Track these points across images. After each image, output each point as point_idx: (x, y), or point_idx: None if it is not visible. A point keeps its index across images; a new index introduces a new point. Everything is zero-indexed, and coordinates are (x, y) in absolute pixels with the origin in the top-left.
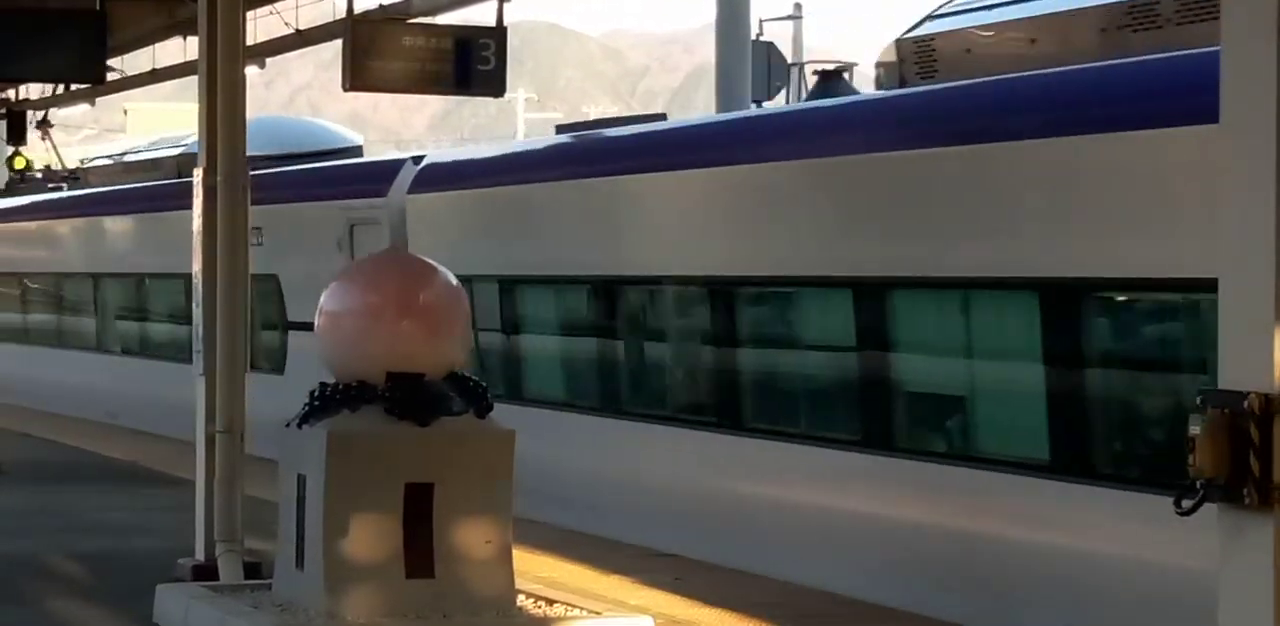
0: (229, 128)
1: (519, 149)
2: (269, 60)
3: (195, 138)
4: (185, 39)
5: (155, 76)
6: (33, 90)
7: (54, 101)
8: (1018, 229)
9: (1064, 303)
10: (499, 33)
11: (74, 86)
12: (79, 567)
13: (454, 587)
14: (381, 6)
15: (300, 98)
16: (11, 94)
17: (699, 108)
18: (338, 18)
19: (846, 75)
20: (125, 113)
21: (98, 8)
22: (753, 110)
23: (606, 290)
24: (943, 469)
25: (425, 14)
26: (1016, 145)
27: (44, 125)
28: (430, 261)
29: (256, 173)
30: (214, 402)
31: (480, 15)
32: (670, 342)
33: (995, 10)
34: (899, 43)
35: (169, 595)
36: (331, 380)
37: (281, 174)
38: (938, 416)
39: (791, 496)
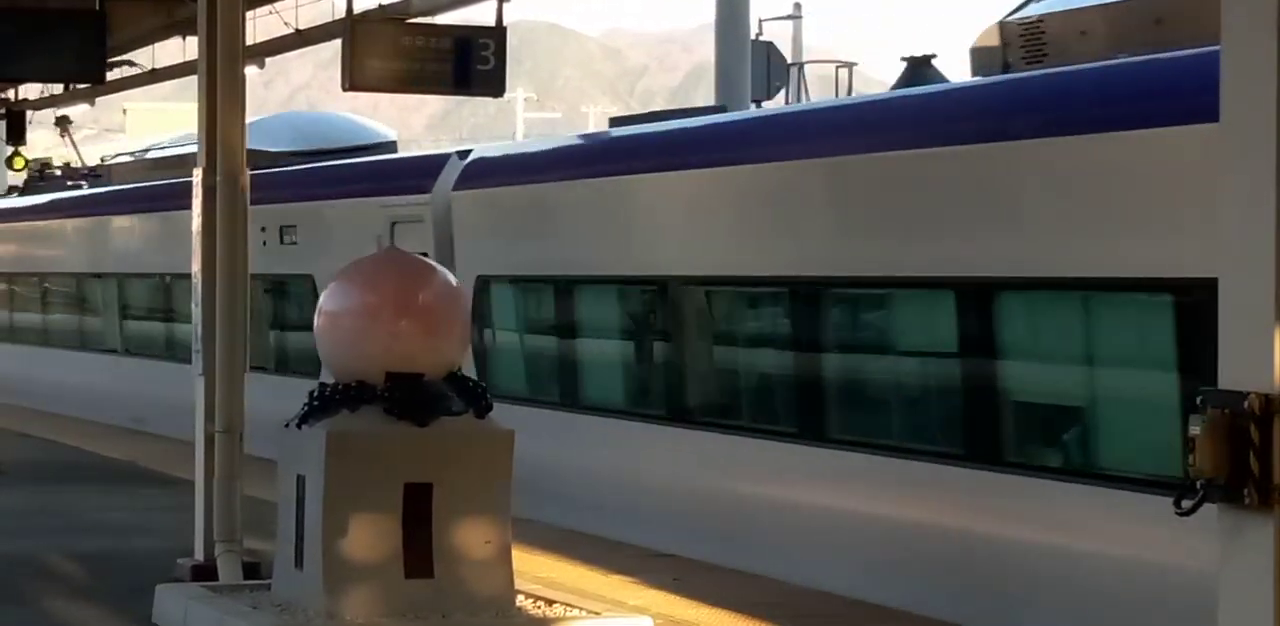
0: (228, 127)
1: (579, 142)
2: (268, 60)
3: None
4: (185, 39)
5: (155, 76)
6: (32, 90)
7: (53, 101)
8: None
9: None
10: (498, 32)
11: (74, 86)
12: (78, 567)
13: (453, 587)
14: (381, 6)
15: (299, 97)
16: (11, 94)
17: None
18: (337, 17)
19: (847, 71)
20: (125, 112)
21: (97, 8)
22: (846, 98)
23: (679, 291)
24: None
25: (424, 14)
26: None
27: (63, 122)
28: (429, 261)
29: (289, 169)
30: (213, 402)
31: (479, 15)
32: (748, 348)
33: None
34: (1003, 25)
35: (168, 595)
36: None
37: (316, 170)
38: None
39: (883, 511)
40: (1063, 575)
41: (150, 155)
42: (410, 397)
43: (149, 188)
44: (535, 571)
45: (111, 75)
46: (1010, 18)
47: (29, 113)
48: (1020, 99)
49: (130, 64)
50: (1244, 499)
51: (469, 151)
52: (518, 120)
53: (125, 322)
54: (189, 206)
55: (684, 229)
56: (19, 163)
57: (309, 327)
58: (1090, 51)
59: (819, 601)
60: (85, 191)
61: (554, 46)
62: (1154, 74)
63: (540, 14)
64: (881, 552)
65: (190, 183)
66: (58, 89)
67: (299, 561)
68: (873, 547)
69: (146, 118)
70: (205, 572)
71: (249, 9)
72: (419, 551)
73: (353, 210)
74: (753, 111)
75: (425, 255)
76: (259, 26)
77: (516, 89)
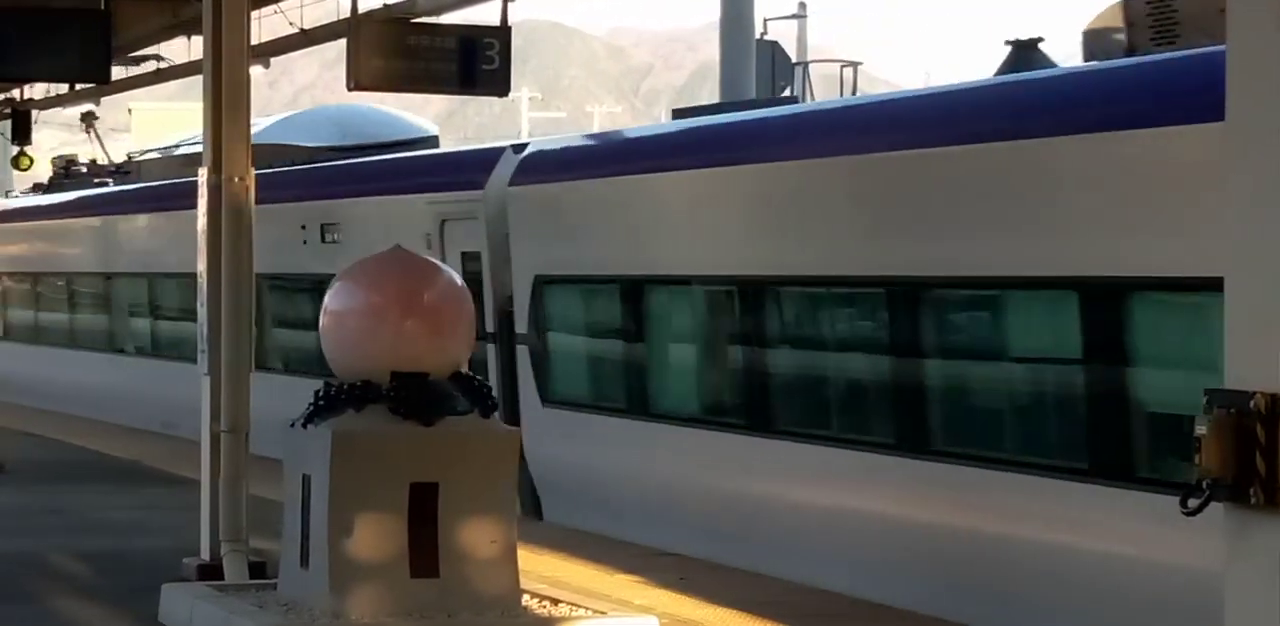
0: (233, 127)
1: (653, 133)
2: (273, 59)
3: (257, 128)
4: (190, 38)
5: (160, 76)
6: (37, 90)
7: (59, 101)
8: None
9: None
10: (503, 32)
11: (78, 86)
12: (84, 567)
13: (459, 587)
14: (386, 6)
15: (304, 97)
16: (16, 93)
17: None
18: (342, 17)
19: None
20: (130, 112)
21: (102, 7)
22: (963, 82)
23: (768, 292)
24: None
25: (429, 13)
26: None
27: (88, 118)
28: (434, 261)
29: (329, 164)
30: (219, 402)
31: (484, 14)
32: (841, 353)
33: None
34: (1128, 4)
35: (174, 594)
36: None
37: (359, 165)
38: None
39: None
40: None
41: (180, 151)
42: (416, 397)
43: (182, 185)
44: (541, 571)
45: (135, 70)
46: None
47: (35, 112)
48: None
49: (159, 58)
50: (1250, 498)
51: (524, 145)
52: (523, 120)
53: (156, 323)
54: None
55: (776, 226)
56: (25, 163)
57: None
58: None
59: (824, 600)
60: (114, 189)
61: (559, 46)
62: None
63: (545, 13)
64: (983, 569)
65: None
66: (63, 88)
67: (304, 561)
68: (977, 564)
69: (152, 117)
70: (211, 572)
71: (254, 8)
72: (424, 551)
73: (399, 207)
74: (862, 97)
75: (479, 255)
76: (264, 26)
77: (521, 88)
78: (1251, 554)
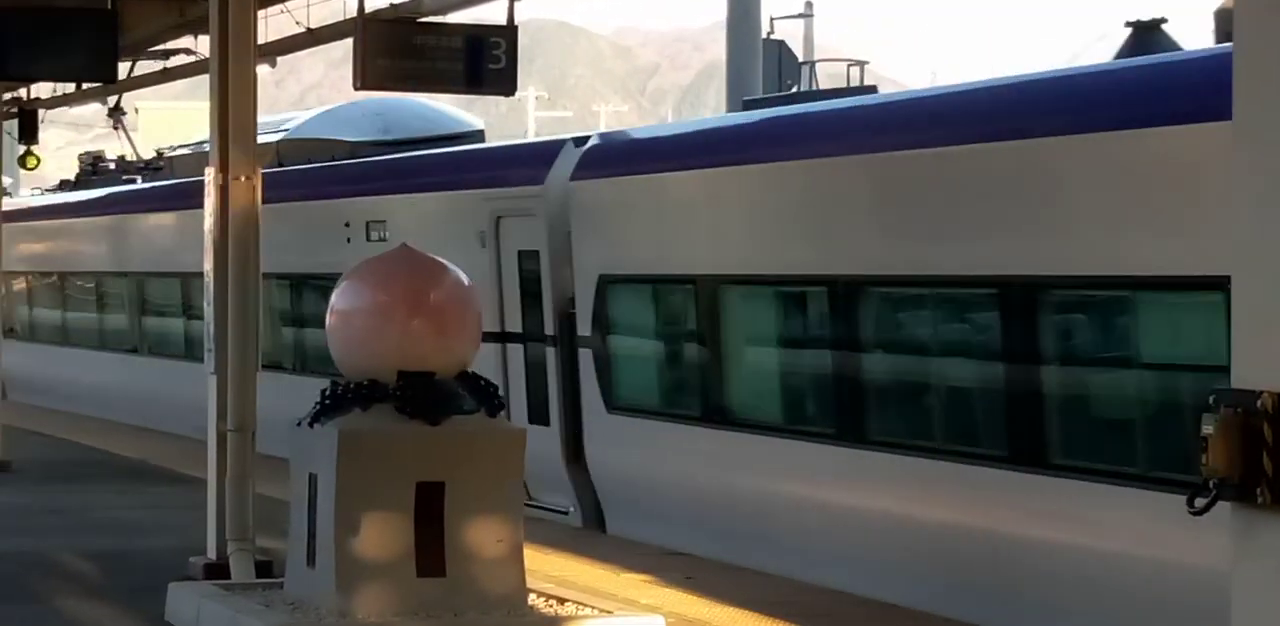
0: (240, 126)
1: (731, 123)
2: (280, 59)
3: (295, 122)
4: (196, 38)
5: (166, 75)
6: (43, 89)
7: (65, 100)
8: None
9: None
10: (509, 31)
11: (85, 85)
12: (90, 566)
13: (465, 586)
14: (392, 5)
15: (311, 96)
16: (23, 93)
17: (710, 106)
18: (348, 16)
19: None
20: (136, 111)
21: (109, 7)
22: (1109, 63)
23: (861, 292)
24: None
25: (436, 13)
26: None
27: (115, 113)
28: (440, 260)
29: (373, 159)
30: (225, 401)
31: (490, 14)
32: (949, 358)
33: None
34: None
35: (181, 593)
36: None
37: (407, 160)
38: None
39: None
40: None
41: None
42: (422, 396)
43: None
44: (547, 570)
45: (144, 68)
46: None
47: (42, 111)
48: None
49: (189, 51)
50: (1257, 498)
51: (585, 138)
52: (529, 119)
53: (190, 324)
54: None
55: (879, 222)
56: (32, 162)
57: None
58: None
59: (830, 600)
60: (147, 185)
61: (565, 45)
62: None
63: (551, 12)
64: (1098, 585)
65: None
66: (70, 88)
67: (311, 560)
68: (1094, 581)
69: (158, 117)
70: (218, 571)
71: (260, 8)
72: (431, 550)
73: (451, 204)
74: (981, 80)
75: (537, 253)
76: (270, 25)
77: (528, 87)
78: (1258, 553)
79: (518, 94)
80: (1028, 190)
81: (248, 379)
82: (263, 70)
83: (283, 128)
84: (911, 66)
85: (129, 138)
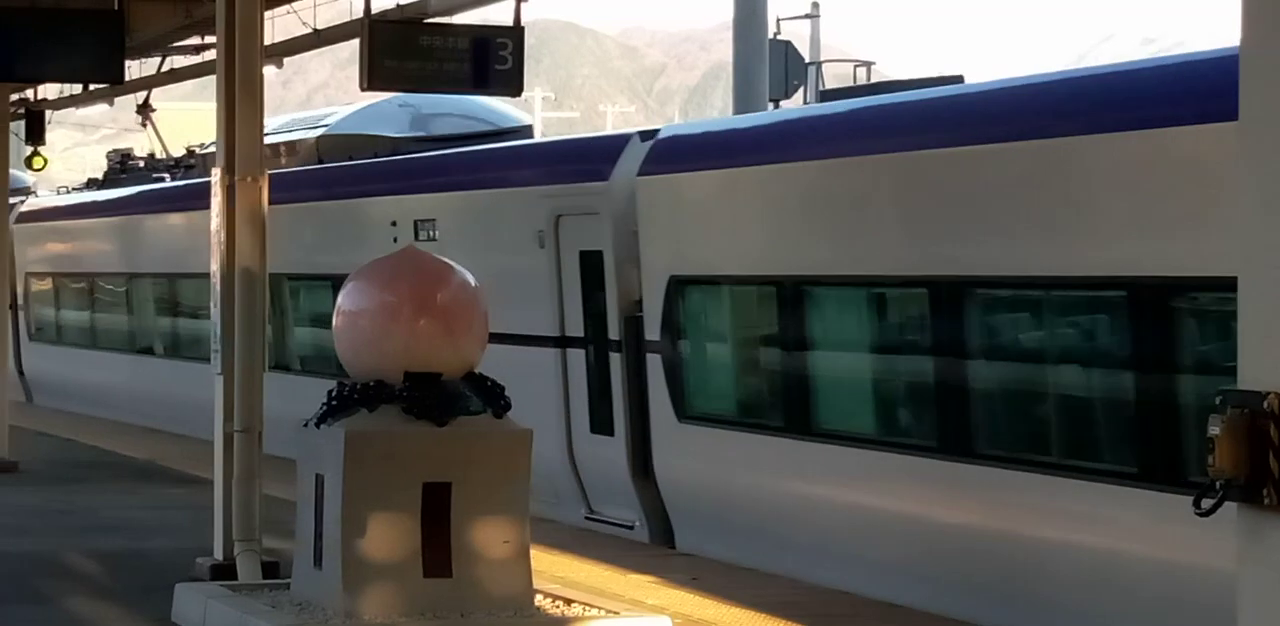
0: (247, 126)
1: (813, 114)
2: (286, 59)
3: (335, 117)
4: (203, 38)
5: (173, 76)
6: (50, 90)
7: (72, 101)
8: None
9: None
10: (516, 32)
11: (92, 86)
12: (97, 566)
13: (472, 587)
14: (399, 6)
15: (318, 96)
16: (29, 93)
17: (716, 106)
18: (355, 17)
19: (865, 70)
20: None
21: (116, 7)
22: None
23: (965, 295)
24: None
25: (442, 13)
26: None
27: (145, 109)
28: (447, 261)
29: (422, 155)
30: (232, 402)
31: (497, 14)
32: (1062, 366)
33: None
34: None
35: (187, 594)
36: None
37: (458, 156)
38: None
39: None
40: None
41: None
42: (428, 397)
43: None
44: (554, 570)
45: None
46: None
47: (49, 112)
48: None
49: (204, 47)
50: (1263, 499)
51: (653, 131)
52: (535, 119)
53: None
54: (286, 199)
55: (984, 220)
56: (38, 163)
57: None
58: None
59: (835, 600)
60: (180, 182)
61: (571, 45)
62: None
63: (558, 13)
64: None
65: (295, 172)
66: (76, 89)
67: (318, 560)
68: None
69: (165, 117)
70: (224, 571)
71: (267, 8)
72: (438, 551)
73: (507, 201)
74: (1083, 69)
75: (600, 253)
76: (277, 26)
77: (534, 88)
78: (1265, 555)
79: (524, 94)
80: (1171, 183)
81: (255, 379)
82: (270, 71)
83: (322, 123)
84: (918, 66)
85: (158, 135)
